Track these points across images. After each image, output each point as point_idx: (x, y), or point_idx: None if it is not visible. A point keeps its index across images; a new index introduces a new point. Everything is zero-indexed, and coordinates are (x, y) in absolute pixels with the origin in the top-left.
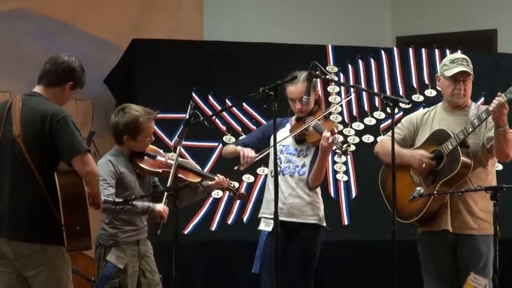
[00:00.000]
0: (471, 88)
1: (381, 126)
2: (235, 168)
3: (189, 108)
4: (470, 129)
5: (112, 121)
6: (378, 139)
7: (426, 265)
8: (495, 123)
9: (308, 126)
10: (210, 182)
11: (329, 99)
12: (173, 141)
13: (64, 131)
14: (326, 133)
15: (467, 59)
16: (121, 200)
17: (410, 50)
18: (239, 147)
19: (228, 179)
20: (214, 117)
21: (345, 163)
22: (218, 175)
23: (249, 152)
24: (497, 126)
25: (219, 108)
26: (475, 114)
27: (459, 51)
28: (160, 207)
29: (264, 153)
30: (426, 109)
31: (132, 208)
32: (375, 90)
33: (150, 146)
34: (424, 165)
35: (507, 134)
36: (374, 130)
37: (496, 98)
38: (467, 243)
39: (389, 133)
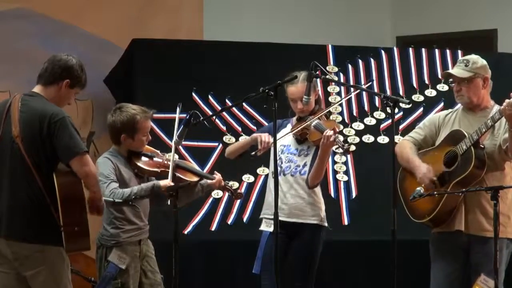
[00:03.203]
0: (478, 88)
1: (381, 126)
2: (252, 153)
3: (178, 109)
4: (484, 130)
5: (109, 121)
6: (379, 139)
7: (435, 264)
8: (508, 124)
9: (309, 125)
10: (208, 181)
11: (329, 99)
12: (173, 141)
13: (63, 132)
14: (328, 132)
15: (468, 60)
16: (121, 200)
17: (410, 50)
18: (254, 135)
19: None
20: (214, 117)
21: (345, 163)
22: (216, 173)
23: (266, 137)
24: (510, 127)
25: (219, 108)
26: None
27: (459, 51)
28: (165, 182)
29: (281, 137)
30: (450, 109)
31: (139, 192)
32: (375, 90)
33: (147, 147)
34: (423, 185)
35: None
36: (374, 130)
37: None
38: (482, 246)
39: (410, 134)
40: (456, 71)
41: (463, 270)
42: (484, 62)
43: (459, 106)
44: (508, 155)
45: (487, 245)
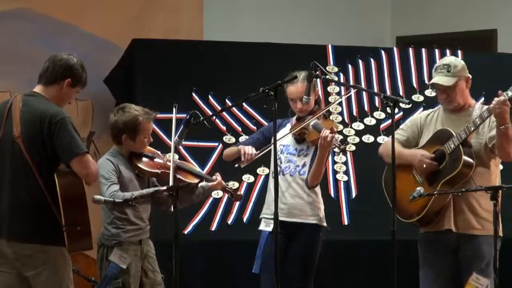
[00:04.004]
0: (463, 90)
1: (381, 126)
2: (236, 165)
3: (174, 109)
4: (472, 128)
5: (111, 120)
6: (379, 139)
7: (425, 264)
8: (497, 122)
9: (307, 125)
10: (209, 184)
11: (329, 99)
12: (173, 141)
13: (63, 133)
14: (325, 132)
15: (448, 65)
16: (121, 200)
17: (410, 50)
18: (239, 146)
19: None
20: (214, 117)
21: (345, 163)
22: (217, 174)
23: (250, 149)
24: (499, 125)
25: (219, 108)
26: (478, 114)
27: (459, 52)
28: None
29: (265, 151)
30: (430, 110)
31: (139, 197)
32: (375, 90)
33: (148, 147)
34: (424, 165)
35: (509, 132)
36: (374, 130)
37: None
38: (470, 243)
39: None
40: (441, 79)
41: (452, 270)
42: (462, 62)
43: (439, 106)
44: (494, 153)
45: (476, 243)
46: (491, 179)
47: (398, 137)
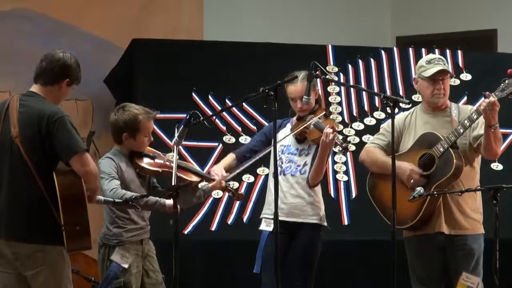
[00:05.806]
0: (449, 88)
1: (381, 126)
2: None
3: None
4: (461, 130)
5: (111, 119)
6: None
7: (414, 267)
8: (486, 122)
9: (308, 124)
10: (210, 185)
11: (329, 99)
12: (173, 141)
13: (61, 131)
14: (328, 129)
15: (442, 59)
16: (120, 200)
17: (410, 50)
18: (213, 167)
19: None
20: (214, 117)
21: (345, 163)
22: (215, 173)
23: (219, 171)
24: (489, 125)
25: (219, 108)
26: (457, 114)
27: (459, 52)
28: (170, 201)
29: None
30: (406, 112)
31: (141, 200)
32: (375, 90)
33: (148, 148)
34: (412, 181)
35: (498, 132)
36: (374, 130)
37: (485, 99)
38: (460, 243)
39: (373, 140)
40: (445, 67)
41: (441, 272)
42: None
43: (414, 108)
44: (478, 152)
45: (467, 243)
46: (476, 178)
47: (379, 142)
